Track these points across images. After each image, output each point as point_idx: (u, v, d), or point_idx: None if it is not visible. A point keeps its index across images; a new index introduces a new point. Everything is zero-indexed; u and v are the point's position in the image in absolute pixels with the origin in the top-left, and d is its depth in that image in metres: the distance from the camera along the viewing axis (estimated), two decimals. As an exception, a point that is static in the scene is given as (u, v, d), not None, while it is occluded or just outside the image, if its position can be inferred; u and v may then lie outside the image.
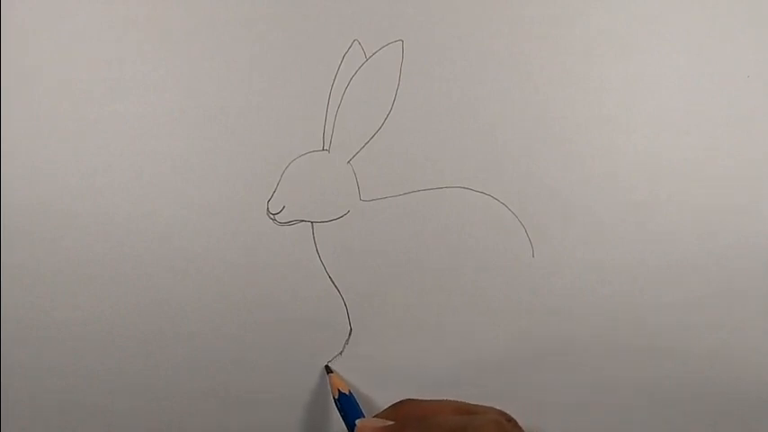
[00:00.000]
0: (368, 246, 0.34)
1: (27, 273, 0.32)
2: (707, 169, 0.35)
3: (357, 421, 0.30)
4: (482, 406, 0.29)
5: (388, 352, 0.34)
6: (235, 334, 0.33)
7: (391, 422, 0.29)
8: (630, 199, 0.35)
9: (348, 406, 0.31)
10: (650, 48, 0.34)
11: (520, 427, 0.28)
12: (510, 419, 0.29)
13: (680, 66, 0.34)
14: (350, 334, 0.34)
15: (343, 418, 0.31)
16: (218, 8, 0.32)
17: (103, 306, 0.33)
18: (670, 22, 0.34)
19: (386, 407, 0.31)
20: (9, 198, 0.32)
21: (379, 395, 0.34)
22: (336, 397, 0.32)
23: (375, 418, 0.30)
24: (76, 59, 0.32)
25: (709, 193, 0.35)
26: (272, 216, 0.33)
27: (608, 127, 0.34)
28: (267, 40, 0.33)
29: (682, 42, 0.34)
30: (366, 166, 0.33)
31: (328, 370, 0.33)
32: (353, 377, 0.34)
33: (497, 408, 0.29)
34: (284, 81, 0.33)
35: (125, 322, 0.33)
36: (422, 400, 0.31)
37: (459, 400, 0.30)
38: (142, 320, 0.33)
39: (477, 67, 0.33)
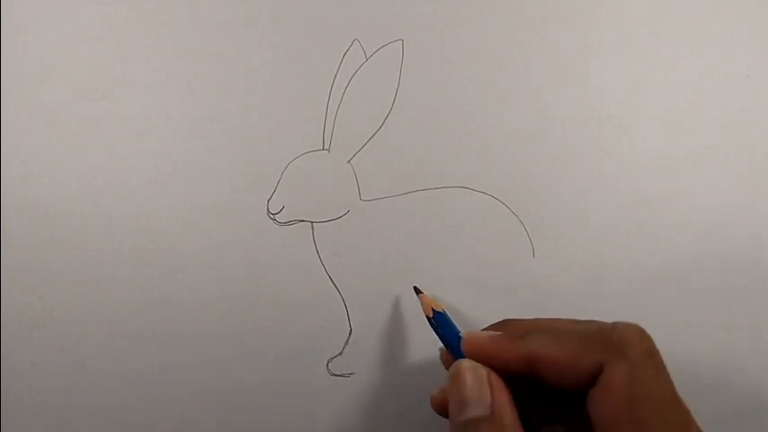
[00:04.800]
0: (368, 246, 0.33)
1: (27, 273, 0.32)
2: (707, 169, 0.35)
3: (463, 333, 0.28)
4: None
5: (388, 352, 0.34)
6: (234, 334, 0.33)
7: (500, 333, 0.27)
8: (630, 199, 0.35)
9: (445, 324, 0.30)
10: (650, 47, 0.34)
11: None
12: None
13: (680, 65, 0.34)
14: (350, 334, 0.34)
15: (440, 337, 0.30)
16: (219, 8, 0.32)
17: (103, 306, 0.33)
18: (670, 22, 0.34)
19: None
20: (9, 198, 0.32)
21: (379, 395, 0.34)
22: (431, 316, 0.30)
23: (481, 331, 0.28)
24: (76, 59, 0.32)
25: (710, 193, 0.35)
26: (272, 216, 0.33)
27: (608, 127, 0.34)
28: (267, 40, 0.33)
29: (682, 42, 0.34)
30: (366, 165, 0.33)
31: (417, 291, 0.33)
32: (353, 377, 0.34)
33: None
34: (284, 81, 0.33)
35: (125, 322, 0.33)
36: (527, 319, 0.29)
37: None
38: (142, 320, 0.33)
39: (477, 67, 0.33)
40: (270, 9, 0.33)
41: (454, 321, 0.30)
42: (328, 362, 0.34)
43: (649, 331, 0.25)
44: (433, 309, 0.31)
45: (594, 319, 0.26)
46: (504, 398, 0.25)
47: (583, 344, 0.25)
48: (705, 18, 0.34)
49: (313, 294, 0.33)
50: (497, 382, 0.26)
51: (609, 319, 0.25)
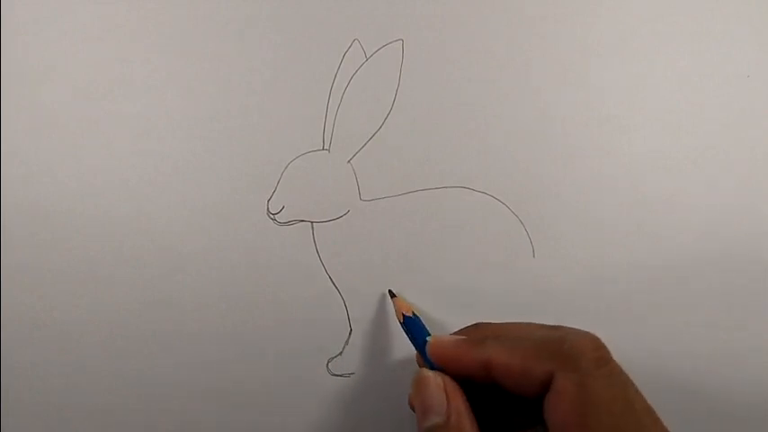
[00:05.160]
0: (368, 246, 0.34)
1: (27, 273, 0.32)
2: (707, 169, 0.35)
3: (429, 337, 0.29)
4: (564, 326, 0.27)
5: (389, 352, 0.34)
6: (235, 334, 0.33)
7: (464, 337, 0.28)
8: (630, 199, 0.35)
9: (415, 328, 0.31)
10: (650, 47, 0.34)
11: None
12: None
13: (680, 65, 0.34)
14: (350, 334, 0.34)
15: (411, 341, 0.31)
16: (219, 8, 0.32)
17: (103, 306, 0.33)
18: (670, 22, 0.34)
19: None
20: (9, 198, 0.32)
21: (379, 395, 0.34)
22: (401, 321, 0.31)
23: (448, 335, 0.29)
24: (77, 60, 0.32)
25: (710, 193, 0.35)
26: (272, 216, 0.33)
27: (608, 127, 0.34)
28: (267, 40, 0.33)
29: (682, 42, 0.34)
30: (366, 165, 0.33)
31: (391, 294, 0.33)
32: (354, 377, 0.34)
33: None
34: (284, 81, 0.33)
35: (125, 322, 0.33)
36: (497, 323, 0.29)
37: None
38: (142, 320, 0.33)
39: (477, 67, 0.33)
40: (270, 9, 0.33)
41: (425, 325, 0.31)
42: (328, 362, 0.34)
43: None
44: (403, 313, 0.31)
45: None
46: (459, 404, 0.26)
47: (535, 352, 0.25)
48: (705, 18, 0.34)
49: (313, 294, 0.33)
50: (453, 389, 0.26)
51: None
